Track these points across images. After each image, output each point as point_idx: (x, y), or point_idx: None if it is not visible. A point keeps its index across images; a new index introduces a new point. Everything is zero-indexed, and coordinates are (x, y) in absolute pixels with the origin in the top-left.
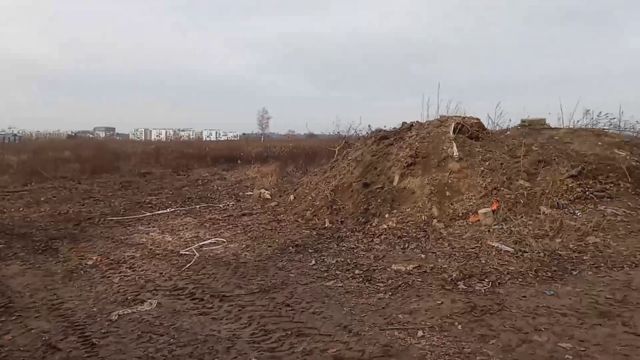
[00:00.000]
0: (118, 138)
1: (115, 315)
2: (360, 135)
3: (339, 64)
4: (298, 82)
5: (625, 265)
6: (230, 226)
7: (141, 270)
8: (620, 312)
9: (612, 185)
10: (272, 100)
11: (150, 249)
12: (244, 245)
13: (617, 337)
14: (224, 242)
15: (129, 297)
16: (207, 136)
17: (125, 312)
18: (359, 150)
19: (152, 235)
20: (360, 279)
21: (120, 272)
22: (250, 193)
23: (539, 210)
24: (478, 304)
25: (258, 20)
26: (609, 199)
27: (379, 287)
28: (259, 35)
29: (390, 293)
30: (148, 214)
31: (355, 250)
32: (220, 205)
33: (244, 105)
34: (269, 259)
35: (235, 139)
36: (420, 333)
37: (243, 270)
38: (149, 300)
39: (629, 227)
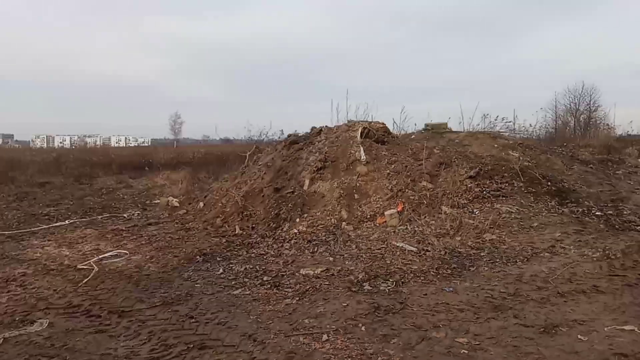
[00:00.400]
0: (17, 146)
1: (0, 338)
2: (273, 140)
3: (254, 68)
4: (213, 85)
5: (517, 260)
6: (135, 237)
7: (33, 288)
8: (512, 305)
9: (506, 184)
10: (186, 104)
11: (45, 264)
12: (148, 257)
13: (509, 329)
14: (127, 254)
15: (17, 318)
16: (116, 142)
17: (11, 335)
18: (269, 155)
19: (47, 250)
20: (269, 286)
21: (8, 291)
22: (157, 201)
23: (441, 210)
24: (382, 304)
25: (171, 21)
26: (504, 198)
27: (286, 293)
28: (172, 37)
29: (297, 298)
30: (44, 226)
31: (265, 257)
32: (125, 215)
33: (155, 109)
34: (174, 270)
35: (146, 144)
36: (325, 337)
37: (146, 283)
38: (39, 320)
39: (521, 223)
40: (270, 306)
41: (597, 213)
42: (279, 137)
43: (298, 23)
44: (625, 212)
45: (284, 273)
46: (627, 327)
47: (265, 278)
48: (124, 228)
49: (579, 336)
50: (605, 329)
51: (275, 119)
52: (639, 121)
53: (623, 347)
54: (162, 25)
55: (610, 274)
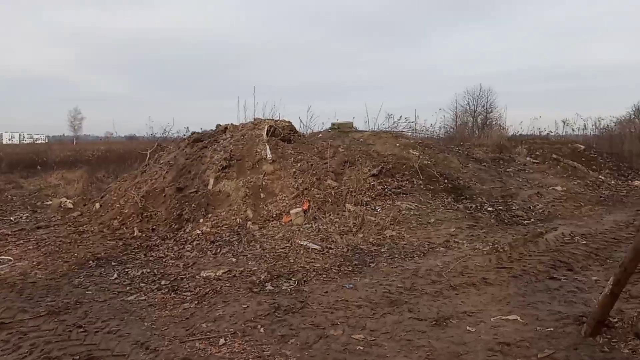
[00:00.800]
0: None
1: None
2: (176, 137)
3: (164, 63)
4: (119, 80)
5: (415, 255)
6: (21, 241)
7: None
8: (408, 299)
9: (407, 182)
10: (88, 100)
11: None
12: (34, 263)
13: (404, 323)
14: (10, 260)
15: None
16: (9, 139)
17: None
18: (172, 153)
19: None
20: (166, 290)
21: None
22: (49, 203)
23: (345, 208)
24: (282, 304)
25: (71, 9)
26: (404, 195)
27: (185, 297)
28: (73, 28)
29: (196, 302)
30: None
31: (164, 260)
32: (12, 218)
33: (54, 104)
34: (63, 277)
35: (43, 141)
36: (222, 341)
37: (31, 291)
38: None
39: (420, 220)
40: (166, 311)
41: (488, 209)
42: (185, 135)
43: (215, 18)
44: (513, 208)
45: (183, 276)
46: (511, 317)
47: (163, 282)
48: (9, 232)
49: (468, 327)
50: (492, 319)
51: (184, 115)
52: (528, 122)
53: (506, 336)
54: (63, 14)
55: (498, 267)
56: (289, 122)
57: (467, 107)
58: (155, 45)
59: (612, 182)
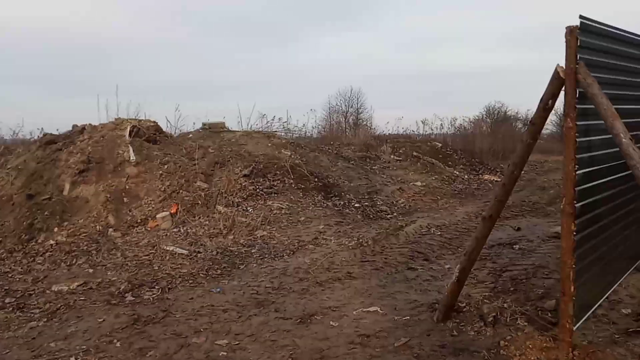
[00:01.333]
0: None
1: None
2: (26, 139)
3: (17, 58)
4: None
5: (285, 254)
6: None
7: None
8: (275, 299)
9: (278, 181)
10: None
11: None
12: None
13: (269, 323)
14: None
15: None
16: None
17: None
18: (21, 157)
19: None
20: (11, 308)
21: None
22: None
23: (216, 209)
24: (143, 314)
25: None
26: (276, 195)
27: (32, 315)
28: None
29: (45, 319)
30: None
31: (10, 275)
32: None
33: None
34: None
35: None
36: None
37: None
38: None
39: (290, 218)
40: (10, 332)
41: (355, 205)
42: (39, 136)
43: (66, 4)
44: (378, 203)
45: (32, 292)
46: (371, 309)
47: (7, 300)
48: None
49: (331, 322)
50: (354, 312)
51: (36, 116)
52: (393, 122)
53: (367, 328)
54: None
55: (362, 260)
56: (155, 122)
57: (340, 107)
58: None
59: (466, 176)
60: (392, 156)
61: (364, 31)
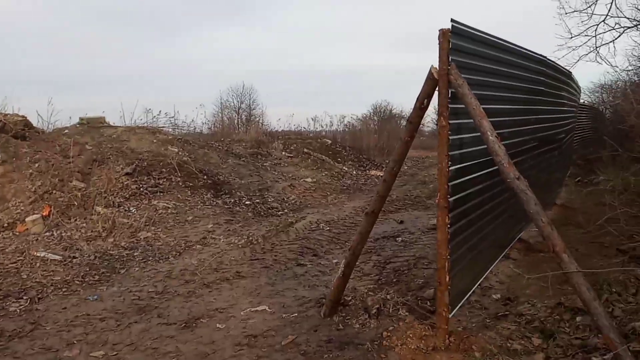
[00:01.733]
0: None
1: None
2: None
3: None
4: None
5: (170, 256)
6: None
7: None
8: (158, 304)
9: (165, 180)
10: None
11: None
12: None
13: (151, 330)
14: None
15: None
16: None
17: None
18: None
19: None
20: None
21: None
22: None
23: (94, 211)
24: (7, 329)
25: None
26: (161, 194)
27: None
28: None
29: None
30: None
31: None
32: None
33: None
34: None
35: None
36: None
37: None
38: None
39: (177, 218)
40: None
41: (246, 202)
42: None
43: None
44: (269, 200)
45: None
46: (260, 308)
47: None
48: None
49: (218, 325)
50: (242, 313)
51: None
52: (285, 119)
53: (255, 328)
54: None
55: (252, 259)
56: (24, 116)
57: (232, 103)
58: None
59: (354, 172)
60: (283, 153)
61: (256, 27)
